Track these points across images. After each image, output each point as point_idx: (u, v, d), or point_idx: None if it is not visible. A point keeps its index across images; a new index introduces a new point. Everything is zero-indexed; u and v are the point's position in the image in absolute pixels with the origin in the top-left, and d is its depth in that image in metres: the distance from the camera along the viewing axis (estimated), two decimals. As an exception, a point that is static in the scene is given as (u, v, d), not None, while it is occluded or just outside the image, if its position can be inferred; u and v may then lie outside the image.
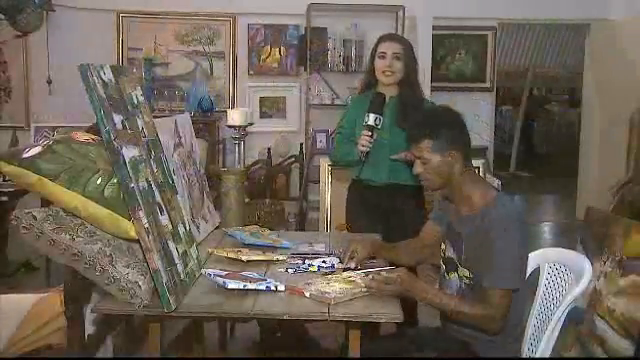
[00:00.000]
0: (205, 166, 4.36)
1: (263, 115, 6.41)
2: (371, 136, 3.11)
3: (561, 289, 2.35)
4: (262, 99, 6.44)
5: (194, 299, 2.08)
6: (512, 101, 11.84)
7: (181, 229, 2.23)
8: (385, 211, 3.25)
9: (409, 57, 3.26)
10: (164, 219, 2.09)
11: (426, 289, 2.19)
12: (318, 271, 2.39)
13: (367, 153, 3.13)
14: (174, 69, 6.37)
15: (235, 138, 3.57)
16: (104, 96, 1.92)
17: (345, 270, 2.37)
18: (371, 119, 3.11)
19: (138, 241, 1.96)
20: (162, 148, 2.31)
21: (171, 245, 2.07)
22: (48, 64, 6.05)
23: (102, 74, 1.97)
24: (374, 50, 3.29)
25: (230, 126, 3.57)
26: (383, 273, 2.21)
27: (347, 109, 3.54)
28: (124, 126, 2.00)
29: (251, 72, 6.40)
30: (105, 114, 1.89)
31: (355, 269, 2.38)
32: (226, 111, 4.01)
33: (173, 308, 1.95)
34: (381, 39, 3.32)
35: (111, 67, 2.05)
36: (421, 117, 2.38)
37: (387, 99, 3.18)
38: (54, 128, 5.56)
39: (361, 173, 3.22)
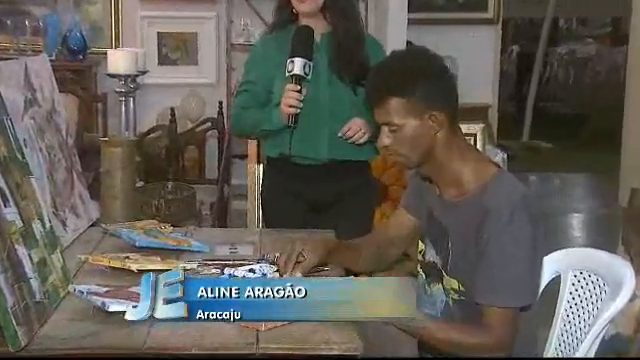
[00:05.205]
0: (76, 134, 4.32)
1: (164, 60, 6.42)
2: (299, 91, 3.05)
3: (592, 306, 2.40)
4: (162, 35, 6.43)
5: (57, 329, 2.06)
6: (526, 38, 11.99)
7: (37, 227, 2.21)
8: (326, 203, 3.28)
9: None
10: (10, 213, 2.07)
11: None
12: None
13: (296, 117, 3.07)
14: (22, -13, 6.29)
15: (121, 93, 3.56)
16: None
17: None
18: (297, 66, 3.03)
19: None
20: (5, 107, 2.28)
21: (21, 251, 2.06)
22: None
23: None
24: None
25: (113, 75, 3.56)
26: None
27: (252, 57, 3.45)
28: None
29: (145, -5, 6.37)
30: None
31: None
32: (106, 53, 3.99)
33: (23, 345, 1.92)
34: None
35: None
36: (385, 66, 2.39)
37: (318, 39, 3.16)
38: None
39: (291, 148, 3.18)
